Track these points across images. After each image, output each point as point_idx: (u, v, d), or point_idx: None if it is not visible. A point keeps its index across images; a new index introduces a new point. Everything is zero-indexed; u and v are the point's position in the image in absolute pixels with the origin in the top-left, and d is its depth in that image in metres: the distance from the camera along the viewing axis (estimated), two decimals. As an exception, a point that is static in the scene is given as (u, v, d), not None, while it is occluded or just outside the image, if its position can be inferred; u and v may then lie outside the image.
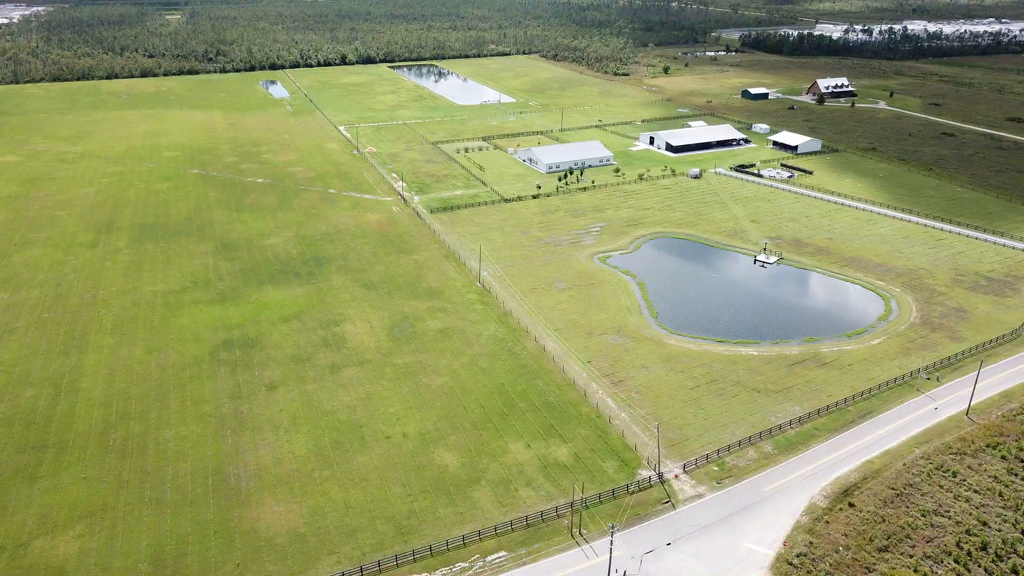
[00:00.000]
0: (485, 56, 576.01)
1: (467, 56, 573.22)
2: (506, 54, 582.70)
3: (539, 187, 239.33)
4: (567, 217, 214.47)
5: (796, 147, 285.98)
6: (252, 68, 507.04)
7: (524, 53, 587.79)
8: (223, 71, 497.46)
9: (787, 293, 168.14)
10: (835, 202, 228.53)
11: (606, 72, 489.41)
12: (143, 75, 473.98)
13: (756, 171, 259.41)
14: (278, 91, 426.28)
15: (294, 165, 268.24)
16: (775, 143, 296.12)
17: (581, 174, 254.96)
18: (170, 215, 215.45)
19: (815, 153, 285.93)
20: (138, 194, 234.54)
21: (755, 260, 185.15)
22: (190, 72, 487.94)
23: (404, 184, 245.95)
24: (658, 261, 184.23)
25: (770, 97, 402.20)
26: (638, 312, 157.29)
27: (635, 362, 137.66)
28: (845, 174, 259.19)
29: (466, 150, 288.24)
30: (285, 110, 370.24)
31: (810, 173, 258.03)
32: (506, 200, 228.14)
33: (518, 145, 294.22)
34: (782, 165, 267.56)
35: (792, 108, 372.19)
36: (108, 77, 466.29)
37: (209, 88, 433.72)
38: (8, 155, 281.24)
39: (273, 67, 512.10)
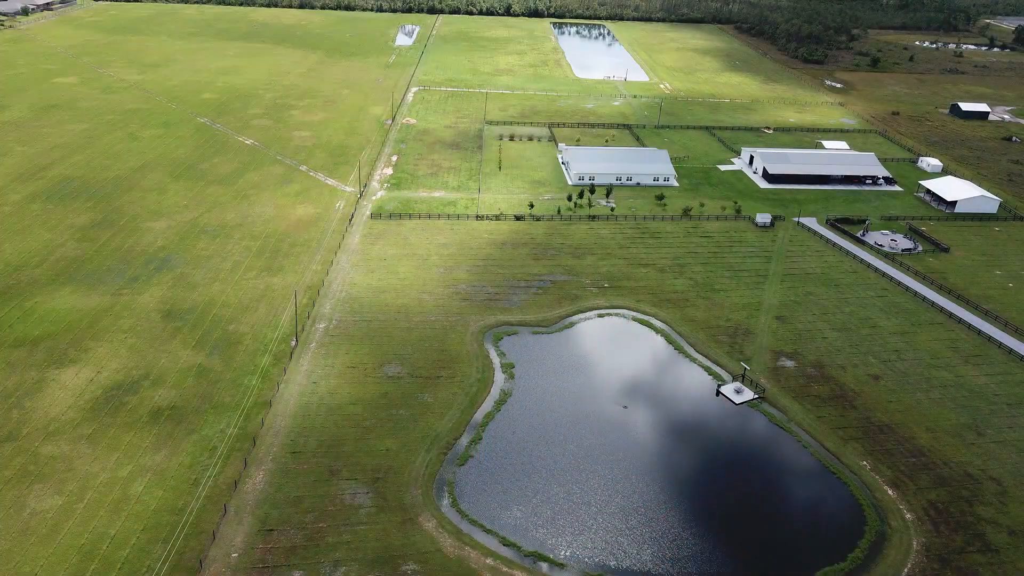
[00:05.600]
0: (672, 21, 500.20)
1: (650, 19, 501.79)
2: (699, 20, 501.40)
3: (531, 206, 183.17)
4: (524, 259, 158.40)
5: (954, 203, 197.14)
6: (410, 10, 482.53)
7: (719, 22, 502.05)
8: (379, 10, 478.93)
9: (735, 469, 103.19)
10: (947, 311, 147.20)
11: (795, 56, 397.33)
12: (301, 6, 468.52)
13: (862, 231, 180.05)
14: (405, 39, 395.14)
15: (306, 128, 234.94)
16: (926, 191, 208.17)
17: (608, 194, 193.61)
18: (107, 171, 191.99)
19: (985, 217, 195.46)
20: (112, 140, 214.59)
21: (717, 392, 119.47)
22: (347, 7, 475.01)
23: (391, 171, 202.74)
24: (571, 358, 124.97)
25: (991, 117, 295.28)
26: (438, 461, 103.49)
27: None
28: (1006, 262, 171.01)
29: (511, 137, 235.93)
30: (387, 60, 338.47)
31: (945, 250, 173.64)
32: (478, 217, 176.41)
33: (577, 140, 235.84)
34: (910, 228, 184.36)
35: (1011, 139, 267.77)
36: (268, 5, 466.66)
37: (344, 26, 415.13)
38: (70, 76, 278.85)
39: (432, 11, 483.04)
